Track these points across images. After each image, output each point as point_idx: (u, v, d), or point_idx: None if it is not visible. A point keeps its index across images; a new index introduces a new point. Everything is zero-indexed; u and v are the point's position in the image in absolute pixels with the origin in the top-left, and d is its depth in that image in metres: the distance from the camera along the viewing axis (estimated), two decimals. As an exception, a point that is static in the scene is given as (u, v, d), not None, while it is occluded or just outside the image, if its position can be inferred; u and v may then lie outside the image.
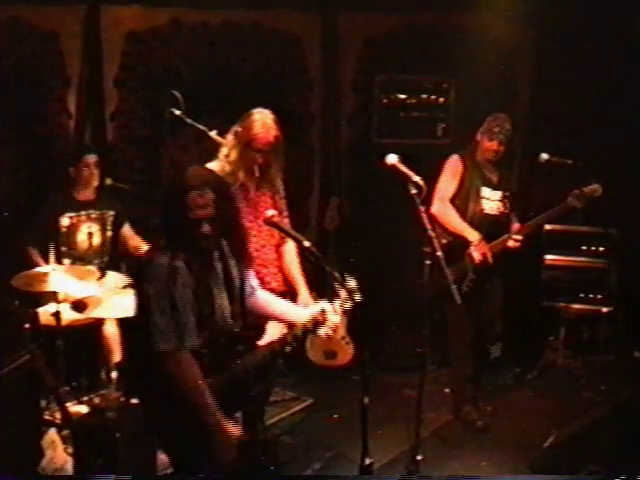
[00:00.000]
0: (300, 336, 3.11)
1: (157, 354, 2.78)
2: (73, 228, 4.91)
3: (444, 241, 4.63)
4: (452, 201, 4.76)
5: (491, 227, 4.73)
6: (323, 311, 3.08)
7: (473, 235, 4.66)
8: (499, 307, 5.01)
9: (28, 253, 4.76)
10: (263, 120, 3.92)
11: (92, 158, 4.94)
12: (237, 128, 3.97)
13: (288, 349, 3.15)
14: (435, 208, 4.66)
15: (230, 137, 4.00)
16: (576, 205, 4.70)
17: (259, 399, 3.47)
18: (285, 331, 3.23)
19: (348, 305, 3.08)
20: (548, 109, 6.13)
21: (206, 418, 2.79)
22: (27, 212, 5.24)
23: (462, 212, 4.74)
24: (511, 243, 4.71)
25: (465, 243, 4.67)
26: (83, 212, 4.94)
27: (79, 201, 4.94)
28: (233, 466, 2.86)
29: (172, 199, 2.89)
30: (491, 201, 4.79)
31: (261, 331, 3.75)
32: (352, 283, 3.09)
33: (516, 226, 4.82)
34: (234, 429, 2.85)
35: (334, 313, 3.08)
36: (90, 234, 4.97)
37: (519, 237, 4.71)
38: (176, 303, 2.77)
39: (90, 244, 4.98)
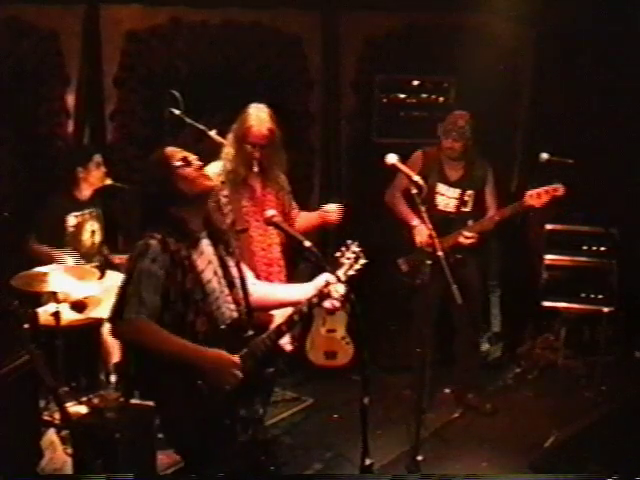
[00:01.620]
0: (306, 312, 3.04)
1: (110, 322, 2.85)
2: (79, 227, 4.93)
3: (428, 250, 4.70)
4: (408, 193, 4.79)
5: (446, 223, 4.74)
6: (327, 283, 3.02)
7: (414, 220, 4.79)
8: (477, 301, 4.98)
9: (38, 251, 4.76)
10: (256, 114, 3.97)
11: (100, 158, 4.96)
12: (235, 125, 4.01)
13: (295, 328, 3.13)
14: (385, 197, 4.98)
15: (230, 135, 4.03)
16: (534, 204, 4.65)
17: (271, 383, 3.44)
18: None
19: (353, 271, 3.03)
20: (548, 109, 6.13)
21: (188, 361, 2.79)
22: (27, 212, 5.24)
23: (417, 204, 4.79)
24: (461, 239, 4.73)
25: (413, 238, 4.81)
26: (86, 211, 4.97)
27: (81, 200, 4.96)
28: (236, 389, 2.85)
29: (155, 162, 3.02)
30: (447, 198, 4.85)
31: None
32: (355, 247, 3.06)
33: (470, 222, 4.85)
34: (220, 354, 2.83)
35: (338, 282, 3.01)
36: (93, 232, 5.02)
37: (469, 234, 4.73)
38: (136, 276, 2.79)
39: (93, 242, 5.02)
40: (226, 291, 2.98)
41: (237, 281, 3.06)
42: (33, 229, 4.83)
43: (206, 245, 3.01)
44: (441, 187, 4.87)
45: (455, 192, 4.87)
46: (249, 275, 3.21)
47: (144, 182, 3.07)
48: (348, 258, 3.04)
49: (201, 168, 3.02)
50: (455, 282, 4.70)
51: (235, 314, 2.98)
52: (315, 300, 3.03)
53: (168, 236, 2.87)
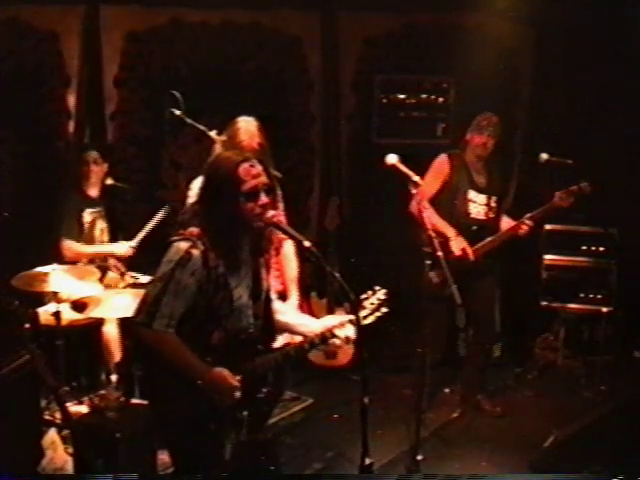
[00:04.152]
0: (317, 344, 3.02)
1: (136, 324, 2.78)
2: (92, 224, 4.97)
3: (428, 250, 4.70)
4: (436, 201, 4.76)
5: (476, 231, 4.73)
6: (342, 324, 2.99)
7: (450, 231, 4.68)
8: (492, 306, 4.99)
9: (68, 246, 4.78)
10: (246, 128, 3.95)
11: (96, 154, 4.98)
12: (223, 137, 4.00)
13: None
14: (412, 206, 4.61)
15: (217, 147, 4.02)
16: (563, 204, 4.69)
17: (267, 402, 3.43)
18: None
19: (372, 318, 3.00)
20: (548, 109, 6.13)
21: (194, 376, 2.78)
22: (27, 212, 5.26)
23: (448, 213, 4.74)
24: (522, 230, 4.72)
25: (447, 248, 4.66)
26: (97, 209, 5.00)
27: (92, 198, 4.99)
28: (236, 408, 2.84)
29: (221, 176, 2.79)
30: (478, 205, 4.80)
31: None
32: (381, 294, 3.02)
33: (507, 222, 4.83)
34: (224, 377, 2.80)
35: (354, 324, 2.93)
36: (102, 230, 5.06)
37: (530, 222, 4.70)
38: (173, 286, 2.74)
39: (102, 241, 5.06)
40: (250, 303, 2.94)
41: (264, 294, 3.01)
42: (57, 227, 4.83)
43: (246, 254, 2.92)
44: (472, 194, 4.77)
45: (483, 198, 4.80)
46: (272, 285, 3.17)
47: (203, 185, 2.89)
48: (372, 304, 3.01)
49: (266, 204, 2.81)
50: (476, 290, 4.72)
51: (251, 328, 2.94)
52: (328, 335, 3.00)
53: (211, 248, 2.78)
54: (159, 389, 2.89)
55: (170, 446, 3.06)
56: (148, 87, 5.66)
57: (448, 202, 4.76)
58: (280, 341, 3.36)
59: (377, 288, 3.04)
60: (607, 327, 5.61)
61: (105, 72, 5.60)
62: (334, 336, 3.01)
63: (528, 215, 4.76)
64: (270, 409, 4.18)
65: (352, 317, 2.93)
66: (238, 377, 2.84)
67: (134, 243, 4.90)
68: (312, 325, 3.11)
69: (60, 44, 5.45)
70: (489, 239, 4.75)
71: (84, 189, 4.96)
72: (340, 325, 3.00)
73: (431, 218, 4.65)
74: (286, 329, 3.24)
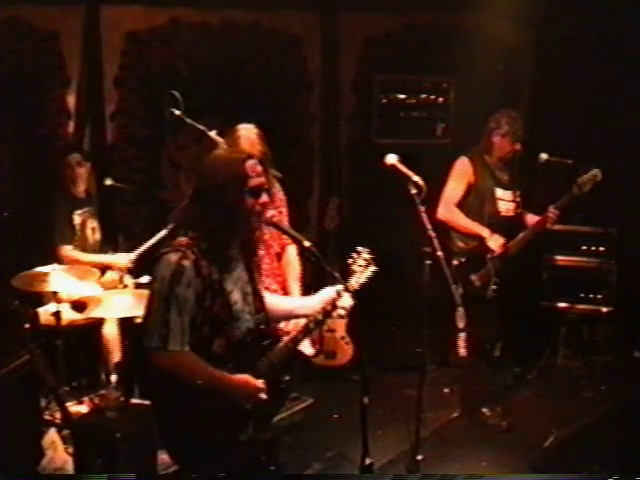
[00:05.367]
0: (322, 320, 3.03)
1: (151, 350, 2.74)
2: (83, 225, 4.98)
3: (462, 244, 4.68)
4: (463, 204, 4.73)
5: (508, 229, 4.72)
6: (339, 293, 2.98)
7: (484, 230, 4.66)
8: (507, 308, 5.01)
9: (67, 254, 4.80)
10: (247, 136, 3.97)
11: (78, 156, 4.99)
12: (224, 145, 4.00)
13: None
14: (440, 213, 4.65)
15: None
16: (582, 191, 4.67)
17: (288, 391, 3.44)
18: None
19: (364, 279, 3.01)
20: (548, 109, 6.13)
21: (219, 388, 2.76)
22: (27, 212, 5.25)
23: (478, 215, 4.72)
24: (550, 221, 4.72)
25: (486, 249, 4.66)
26: (86, 208, 5.01)
27: (79, 198, 5.01)
28: (263, 407, 2.85)
29: (227, 172, 2.77)
30: (506, 202, 4.78)
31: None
32: (365, 254, 3.03)
33: (531, 217, 4.83)
34: (247, 381, 2.81)
35: (350, 291, 2.96)
36: (93, 229, 5.07)
37: (556, 211, 4.69)
38: (174, 302, 2.72)
39: (95, 240, 5.07)
40: (250, 299, 2.94)
41: (261, 290, 3.02)
42: (51, 234, 4.84)
43: (238, 256, 2.92)
44: (499, 191, 4.75)
45: (510, 195, 4.79)
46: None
47: (202, 182, 2.86)
48: (360, 265, 3.01)
49: (266, 204, 2.82)
50: (497, 297, 4.72)
51: (252, 325, 2.93)
52: (329, 308, 3.00)
53: (202, 256, 2.76)
54: (164, 390, 2.86)
55: (174, 447, 3.03)
56: (148, 87, 5.66)
57: (476, 203, 4.74)
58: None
59: (360, 249, 3.05)
60: (607, 327, 5.61)
61: (105, 72, 5.60)
62: (335, 308, 3.01)
63: (553, 205, 4.74)
64: (279, 406, 4.19)
65: (347, 284, 2.95)
66: (261, 380, 2.84)
67: (133, 256, 4.88)
68: (310, 303, 3.09)
69: (60, 44, 5.44)
70: (521, 235, 4.75)
71: (71, 191, 4.97)
72: (337, 295, 2.99)
73: (462, 221, 4.70)
74: (288, 316, 3.26)
